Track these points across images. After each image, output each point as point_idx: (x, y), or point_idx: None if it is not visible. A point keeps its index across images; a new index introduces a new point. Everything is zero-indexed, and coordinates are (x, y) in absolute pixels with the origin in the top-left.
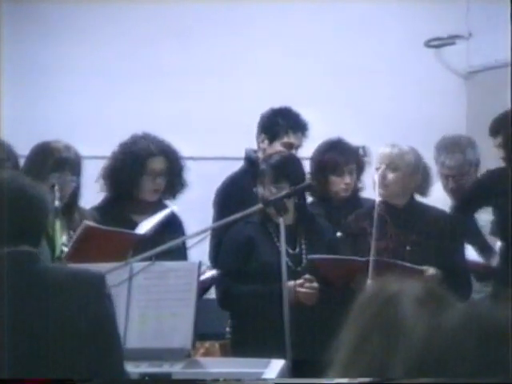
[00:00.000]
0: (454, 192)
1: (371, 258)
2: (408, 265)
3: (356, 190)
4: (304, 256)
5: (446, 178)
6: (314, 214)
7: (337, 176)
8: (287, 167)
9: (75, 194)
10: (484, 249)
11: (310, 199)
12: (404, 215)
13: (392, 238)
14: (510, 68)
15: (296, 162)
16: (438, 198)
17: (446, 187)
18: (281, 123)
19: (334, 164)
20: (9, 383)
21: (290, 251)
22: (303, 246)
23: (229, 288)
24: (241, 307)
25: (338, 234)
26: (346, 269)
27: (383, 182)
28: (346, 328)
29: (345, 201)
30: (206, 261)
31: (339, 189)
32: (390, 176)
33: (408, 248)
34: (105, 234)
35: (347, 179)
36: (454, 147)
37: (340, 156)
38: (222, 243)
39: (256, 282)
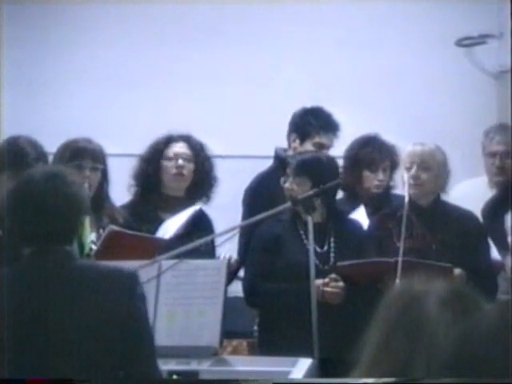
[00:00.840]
0: (499, 171)
1: (399, 259)
2: (435, 263)
3: (388, 188)
4: (332, 255)
5: (493, 156)
6: (343, 211)
7: (371, 172)
8: (313, 164)
9: (102, 188)
10: (504, 248)
11: (340, 194)
12: (430, 214)
13: (418, 237)
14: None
15: (324, 161)
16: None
17: (489, 170)
18: (312, 123)
19: (370, 160)
20: (9, 383)
21: (318, 250)
22: (332, 245)
23: (256, 286)
24: (268, 305)
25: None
26: (373, 270)
27: (416, 182)
28: (371, 327)
29: (375, 198)
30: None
31: (372, 185)
32: (424, 176)
33: (434, 247)
34: (129, 238)
35: (380, 176)
36: (505, 127)
37: (376, 152)
38: (250, 241)
39: (284, 280)
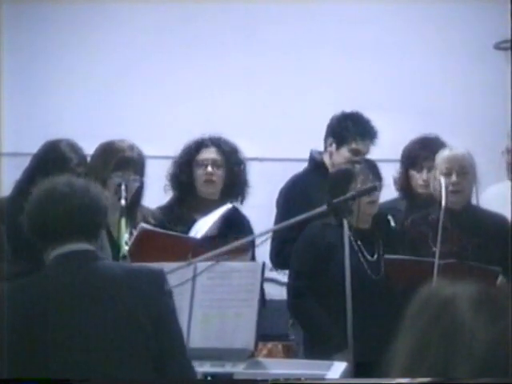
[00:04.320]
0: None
1: (440, 261)
2: (483, 266)
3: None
4: (382, 264)
5: (508, 153)
6: (389, 219)
7: (416, 171)
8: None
9: (139, 194)
10: None
11: (394, 194)
12: (463, 218)
13: (453, 240)
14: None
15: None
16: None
17: (507, 167)
18: (350, 129)
19: (414, 158)
20: (9, 383)
21: (369, 258)
22: (381, 253)
23: (303, 301)
24: (311, 321)
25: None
26: (418, 270)
27: (456, 188)
28: (404, 331)
29: (425, 198)
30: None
31: (417, 184)
32: (464, 182)
33: (470, 250)
34: (161, 237)
35: (424, 176)
36: None
37: (420, 150)
38: (297, 244)
39: (335, 288)
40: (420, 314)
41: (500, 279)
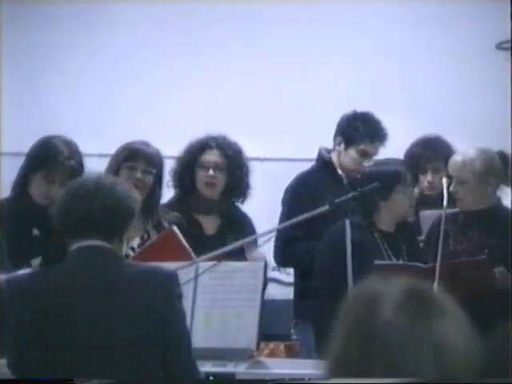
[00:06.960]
0: None
1: (437, 264)
2: (469, 259)
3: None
4: None
5: None
6: (411, 222)
7: (420, 173)
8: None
9: (153, 193)
10: None
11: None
12: (486, 218)
13: (472, 240)
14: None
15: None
16: None
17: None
18: (360, 130)
19: (417, 160)
20: (8, 383)
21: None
22: (405, 259)
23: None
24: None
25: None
26: (408, 274)
27: (456, 196)
28: (334, 328)
29: (432, 200)
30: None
31: (423, 186)
32: (461, 190)
33: (486, 251)
34: (180, 245)
35: (429, 177)
36: None
37: (423, 152)
38: (323, 243)
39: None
40: (348, 311)
41: (499, 270)
